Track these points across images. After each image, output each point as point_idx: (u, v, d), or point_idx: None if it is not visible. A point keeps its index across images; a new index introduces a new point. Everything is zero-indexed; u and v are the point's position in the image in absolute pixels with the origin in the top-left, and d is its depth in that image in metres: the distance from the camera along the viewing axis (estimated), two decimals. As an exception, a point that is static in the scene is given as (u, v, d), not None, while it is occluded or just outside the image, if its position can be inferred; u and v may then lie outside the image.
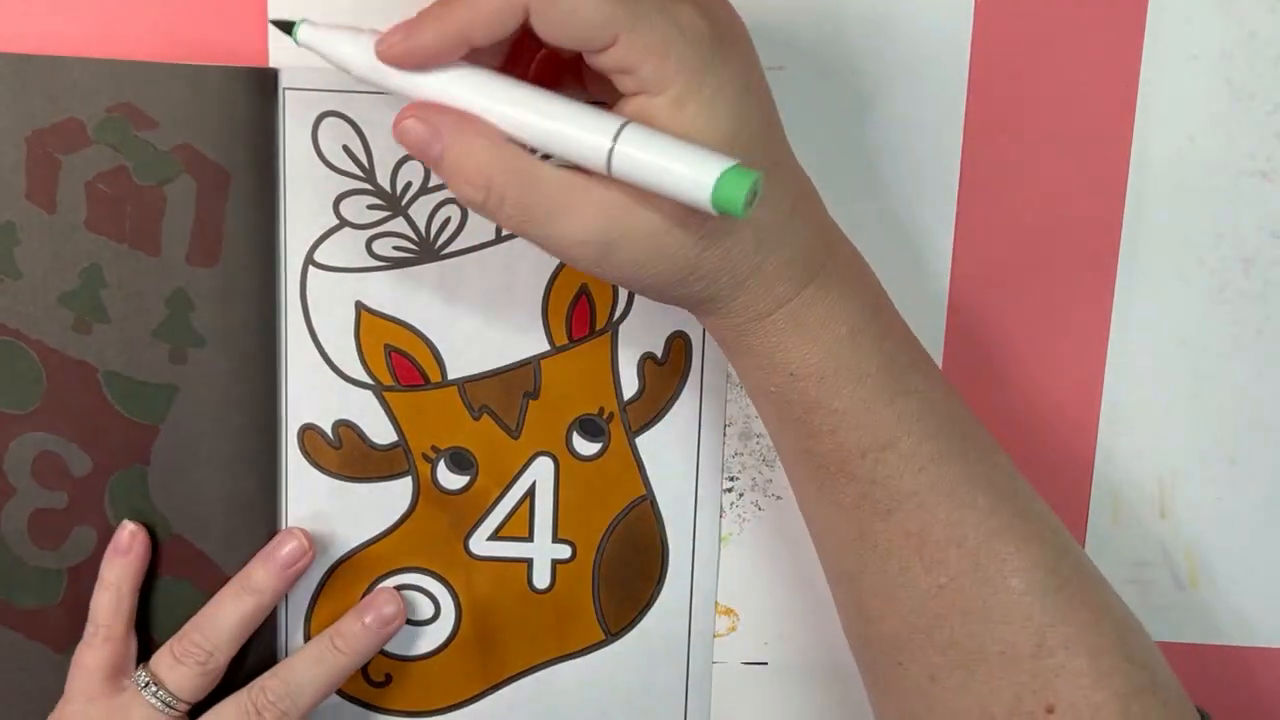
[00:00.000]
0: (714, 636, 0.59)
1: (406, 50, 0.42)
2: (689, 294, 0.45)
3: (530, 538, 0.57)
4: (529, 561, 0.58)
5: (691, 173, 0.39)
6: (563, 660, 0.59)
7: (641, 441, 0.57)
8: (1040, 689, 0.46)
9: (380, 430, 0.56)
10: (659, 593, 0.58)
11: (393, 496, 0.57)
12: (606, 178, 0.42)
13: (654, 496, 0.57)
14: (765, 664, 0.59)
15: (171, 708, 0.53)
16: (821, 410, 0.47)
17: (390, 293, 0.55)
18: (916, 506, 0.47)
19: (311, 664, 0.55)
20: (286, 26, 0.45)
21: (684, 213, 0.42)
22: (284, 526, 0.56)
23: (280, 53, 0.52)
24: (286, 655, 0.57)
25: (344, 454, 0.56)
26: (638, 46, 0.41)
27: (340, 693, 0.58)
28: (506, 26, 0.41)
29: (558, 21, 0.41)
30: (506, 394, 0.56)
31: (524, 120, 0.42)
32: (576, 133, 0.41)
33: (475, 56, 0.43)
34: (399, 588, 0.57)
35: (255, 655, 0.57)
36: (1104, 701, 0.46)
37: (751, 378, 0.48)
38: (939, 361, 0.56)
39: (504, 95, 0.42)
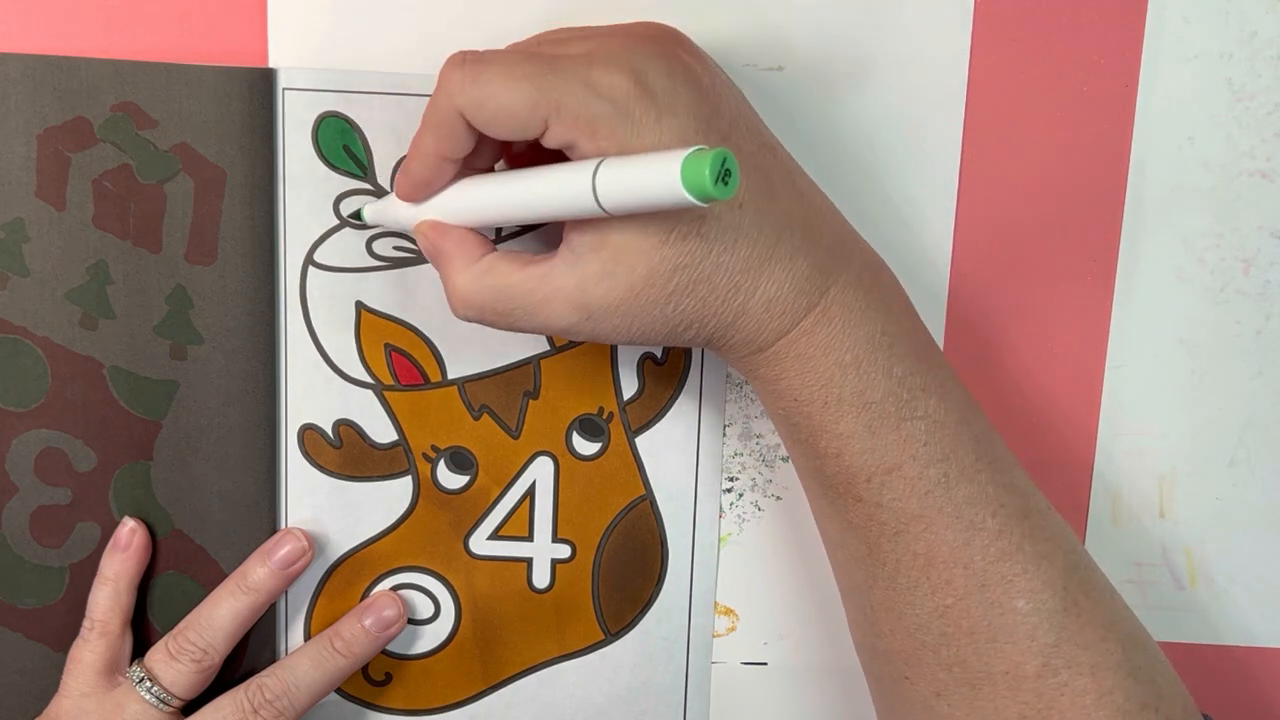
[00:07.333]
0: (713, 636, 0.58)
1: (409, 186, 0.48)
2: (687, 340, 0.47)
3: (530, 537, 0.57)
4: (529, 561, 0.58)
5: (660, 174, 0.39)
6: (563, 660, 0.59)
7: (641, 441, 0.57)
8: (1045, 708, 0.46)
9: (380, 430, 0.56)
10: (659, 593, 0.58)
11: (393, 496, 0.57)
12: (569, 262, 0.45)
13: (654, 496, 0.57)
14: (765, 664, 0.59)
15: (166, 704, 0.53)
16: (826, 434, 0.47)
17: (390, 292, 0.55)
18: (923, 529, 0.47)
19: (310, 664, 0.55)
20: (356, 215, 0.53)
21: (645, 278, 0.44)
22: (284, 525, 0.56)
23: (279, 53, 0.53)
24: (286, 654, 0.57)
25: (344, 453, 0.56)
26: (568, 125, 0.43)
27: (340, 691, 0.58)
28: (462, 137, 0.45)
29: (491, 120, 0.43)
30: (506, 394, 0.56)
31: (516, 205, 0.45)
32: (560, 190, 0.43)
33: (472, 161, 0.48)
34: (399, 587, 0.58)
35: (254, 653, 0.57)
36: (1105, 719, 0.46)
37: (763, 400, 0.49)
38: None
39: (493, 192, 0.46)
